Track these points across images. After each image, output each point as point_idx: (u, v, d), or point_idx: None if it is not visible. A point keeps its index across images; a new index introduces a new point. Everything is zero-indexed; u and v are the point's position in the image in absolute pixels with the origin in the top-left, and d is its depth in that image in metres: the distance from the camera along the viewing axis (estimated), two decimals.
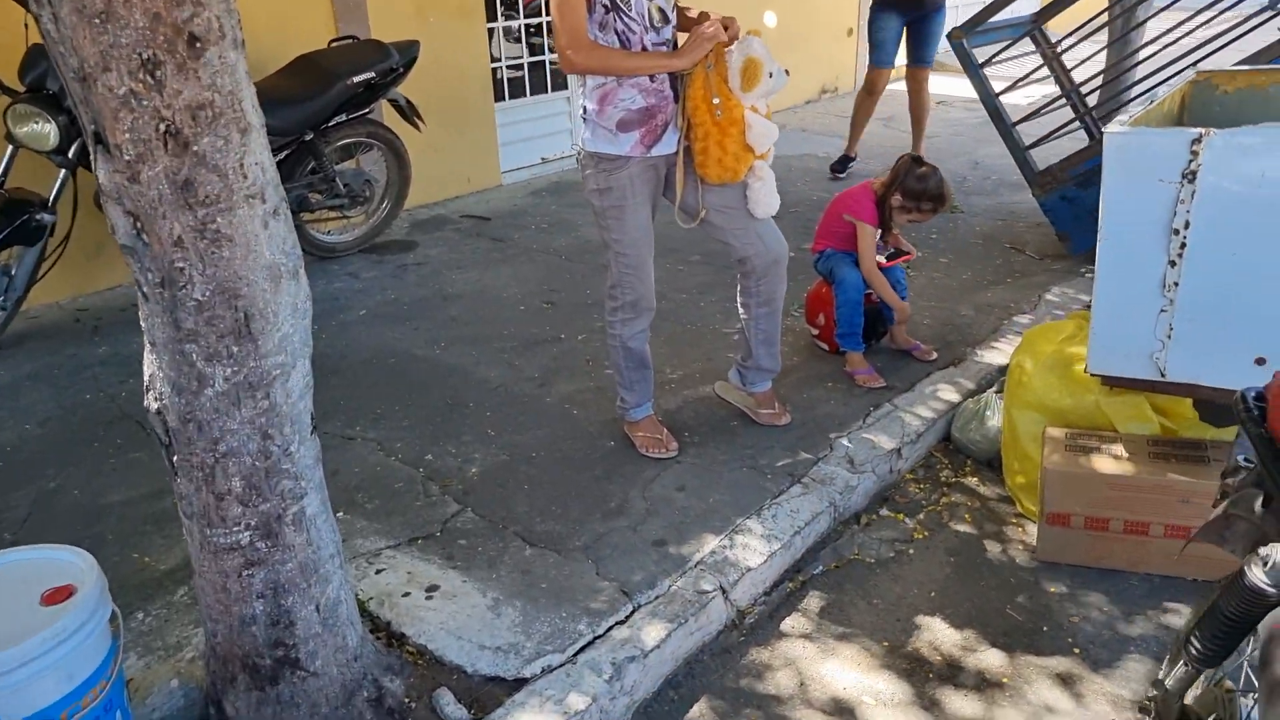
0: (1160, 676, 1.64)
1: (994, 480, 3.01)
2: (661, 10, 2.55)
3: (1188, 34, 4.35)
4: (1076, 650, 2.30)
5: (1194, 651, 1.47)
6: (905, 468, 3.05)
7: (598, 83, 2.54)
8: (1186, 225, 2.21)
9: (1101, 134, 5.11)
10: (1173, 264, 2.25)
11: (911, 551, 2.70)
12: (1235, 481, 1.80)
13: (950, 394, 3.29)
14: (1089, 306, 3.27)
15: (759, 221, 2.74)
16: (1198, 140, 2.13)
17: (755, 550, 2.51)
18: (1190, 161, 2.16)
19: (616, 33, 2.47)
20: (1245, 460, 1.87)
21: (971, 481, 3.03)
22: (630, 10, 2.47)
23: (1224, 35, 4.02)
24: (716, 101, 2.48)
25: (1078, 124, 4.98)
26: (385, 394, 3.41)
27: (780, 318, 2.98)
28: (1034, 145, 4.64)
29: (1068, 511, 2.51)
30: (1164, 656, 2.23)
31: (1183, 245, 2.22)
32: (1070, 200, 4.40)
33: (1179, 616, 2.38)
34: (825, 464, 2.90)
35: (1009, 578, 2.57)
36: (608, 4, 2.44)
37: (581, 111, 2.64)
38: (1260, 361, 2.22)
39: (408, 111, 4.70)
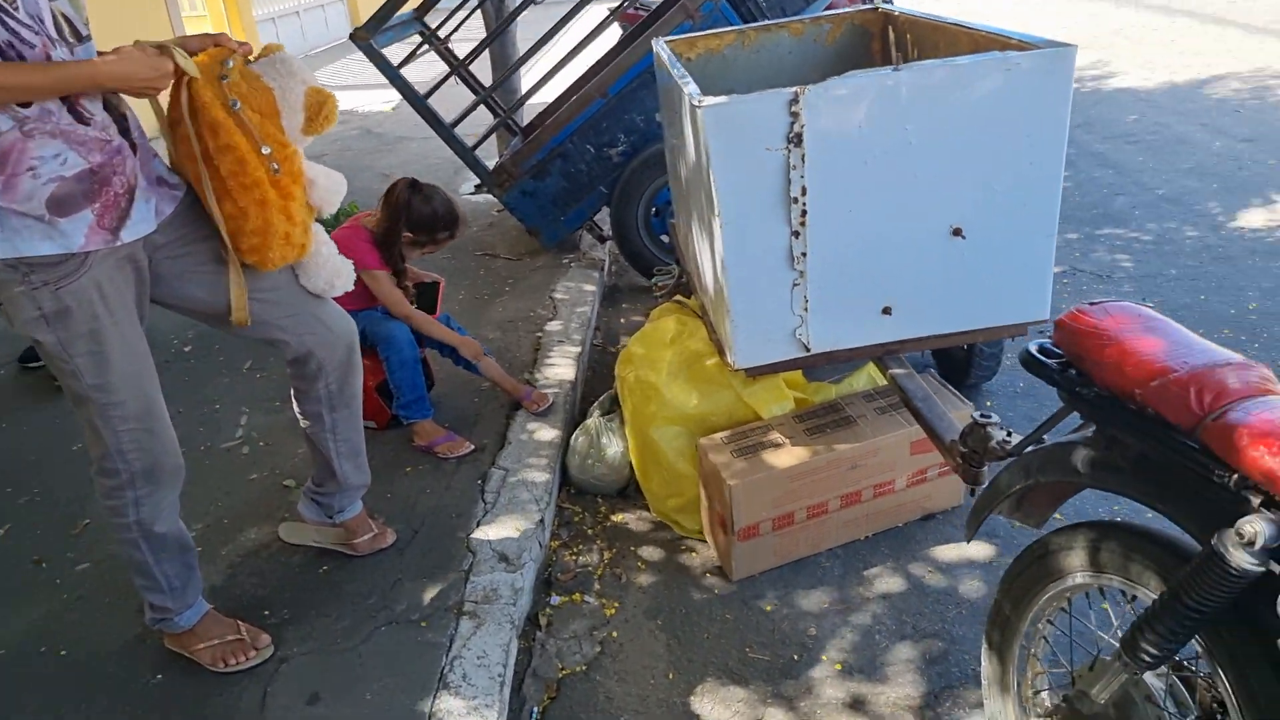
0: (1079, 689, 1.46)
1: (635, 510, 2.69)
2: (70, 22, 1.59)
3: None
4: (838, 666, 2.10)
5: (1147, 657, 1.29)
6: (548, 537, 2.56)
7: None
8: (804, 191, 2.06)
9: (523, 128, 5.23)
10: (796, 234, 2.11)
11: (615, 635, 2.25)
12: (1011, 445, 1.70)
13: (548, 432, 2.87)
14: (660, 296, 3.11)
15: (318, 301, 1.95)
16: (795, 100, 1.98)
17: None
18: (792, 124, 2.00)
19: None
20: (983, 415, 1.78)
21: (619, 522, 2.66)
22: (18, 11, 1.47)
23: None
24: (268, 151, 1.62)
25: (505, 123, 4.86)
26: None
27: (362, 416, 2.22)
28: (478, 145, 4.37)
29: (757, 521, 2.29)
30: (897, 627, 2.15)
31: (804, 213, 2.08)
32: (531, 194, 4.23)
33: (884, 579, 2.34)
34: (478, 575, 2.27)
35: (723, 615, 2.28)
36: None
37: None
38: (887, 311, 2.21)
39: None
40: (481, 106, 4.83)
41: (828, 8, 3.97)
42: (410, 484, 2.65)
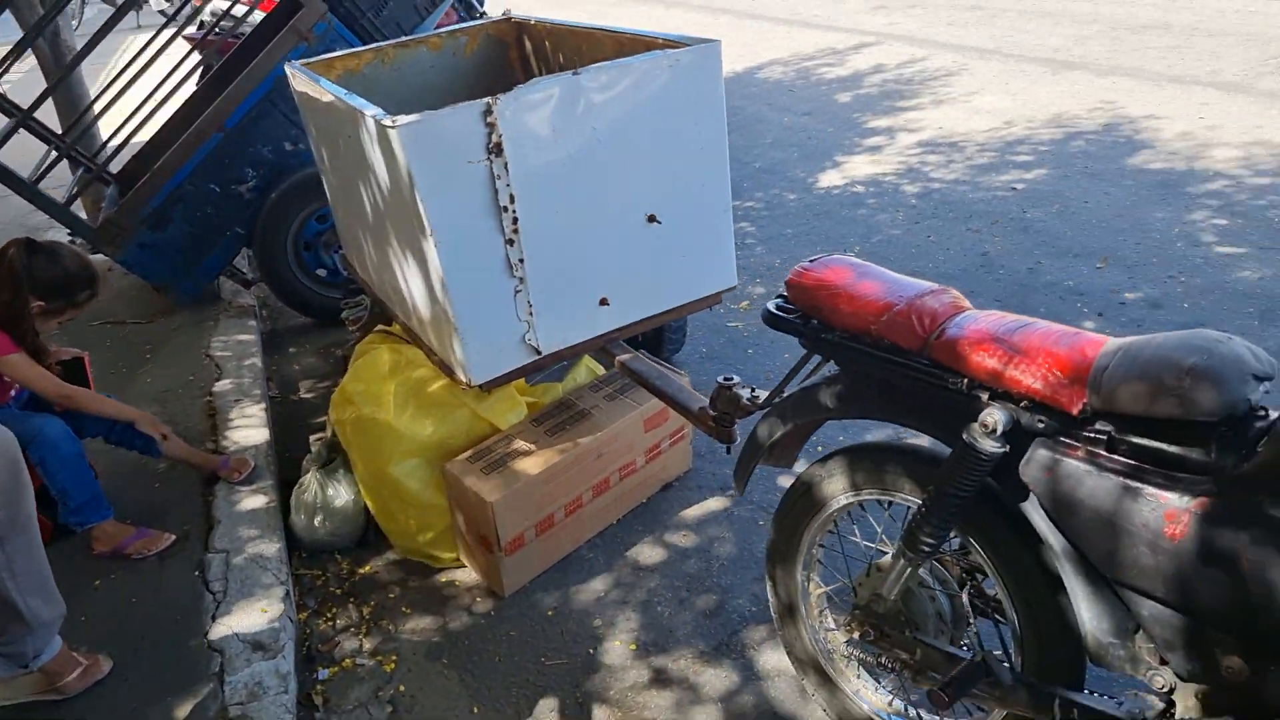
0: (865, 594, 1.66)
1: (381, 556, 2.54)
2: None
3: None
4: (633, 646, 2.17)
5: (925, 546, 1.51)
6: (295, 611, 2.33)
7: None
8: (512, 199, 2.07)
9: (116, 175, 4.54)
10: (511, 242, 2.11)
11: (403, 688, 2.12)
12: (761, 400, 1.87)
13: (258, 499, 2.59)
14: (356, 330, 2.93)
15: None
16: (488, 111, 1.98)
17: None
18: (490, 134, 2.00)
19: None
20: (726, 379, 1.95)
21: (368, 573, 2.49)
22: None
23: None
24: None
25: (83, 169, 4.24)
26: None
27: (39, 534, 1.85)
28: (71, 200, 3.78)
29: (522, 530, 2.29)
30: (672, 594, 2.28)
31: (515, 220, 2.09)
32: (151, 247, 3.75)
33: (646, 553, 2.45)
34: (234, 674, 2.00)
35: (507, 634, 2.25)
36: None
37: None
38: (604, 302, 2.30)
39: None
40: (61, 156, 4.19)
41: (440, 25, 3.99)
42: (107, 599, 2.26)
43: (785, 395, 1.78)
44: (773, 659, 2.08)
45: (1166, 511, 1.23)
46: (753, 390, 1.93)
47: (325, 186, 2.95)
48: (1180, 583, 1.23)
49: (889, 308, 1.52)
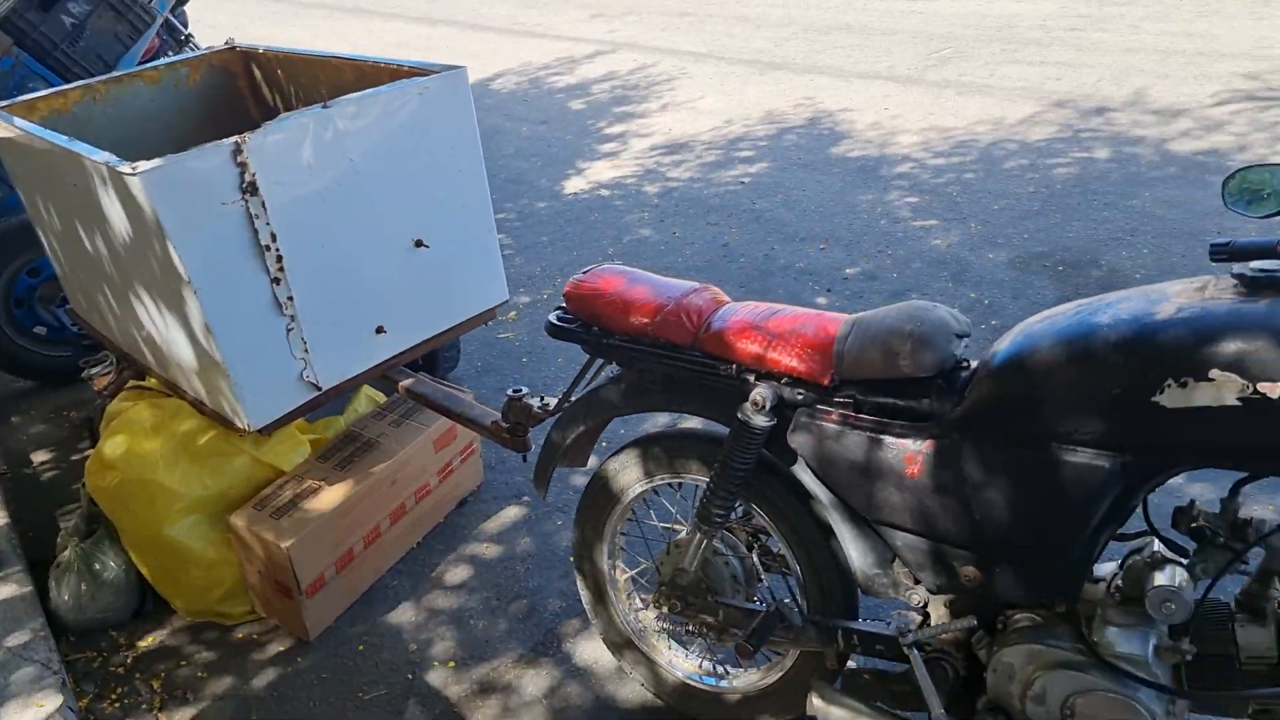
0: (668, 570, 1.80)
1: (164, 625, 2.39)
2: None
3: None
4: (451, 664, 2.21)
5: (717, 517, 1.68)
6: (75, 701, 2.15)
7: None
8: (274, 237, 2.02)
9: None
10: (278, 281, 2.06)
11: None
12: (551, 407, 1.98)
13: (7, 588, 2.35)
14: (105, 390, 2.70)
15: None
16: (238, 150, 1.93)
17: None
18: (243, 174, 1.95)
19: None
20: (515, 391, 2.05)
21: (150, 645, 2.34)
22: None
23: None
24: None
25: None
26: None
27: None
28: None
29: (321, 570, 2.25)
30: (483, 606, 2.35)
31: (279, 258, 2.05)
32: None
33: (452, 571, 2.48)
34: None
35: (319, 677, 2.21)
36: None
37: None
38: (380, 330, 2.30)
39: None
40: None
41: (146, 54, 3.74)
42: None
43: (574, 399, 1.89)
44: (589, 649, 2.19)
45: (905, 455, 1.47)
46: (542, 399, 2.03)
47: (42, 237, 2.71)
48: (922, 512, 1.48)
49: (660, 309, 1.68)
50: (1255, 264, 1.25)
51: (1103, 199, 4.08)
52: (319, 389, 2.22)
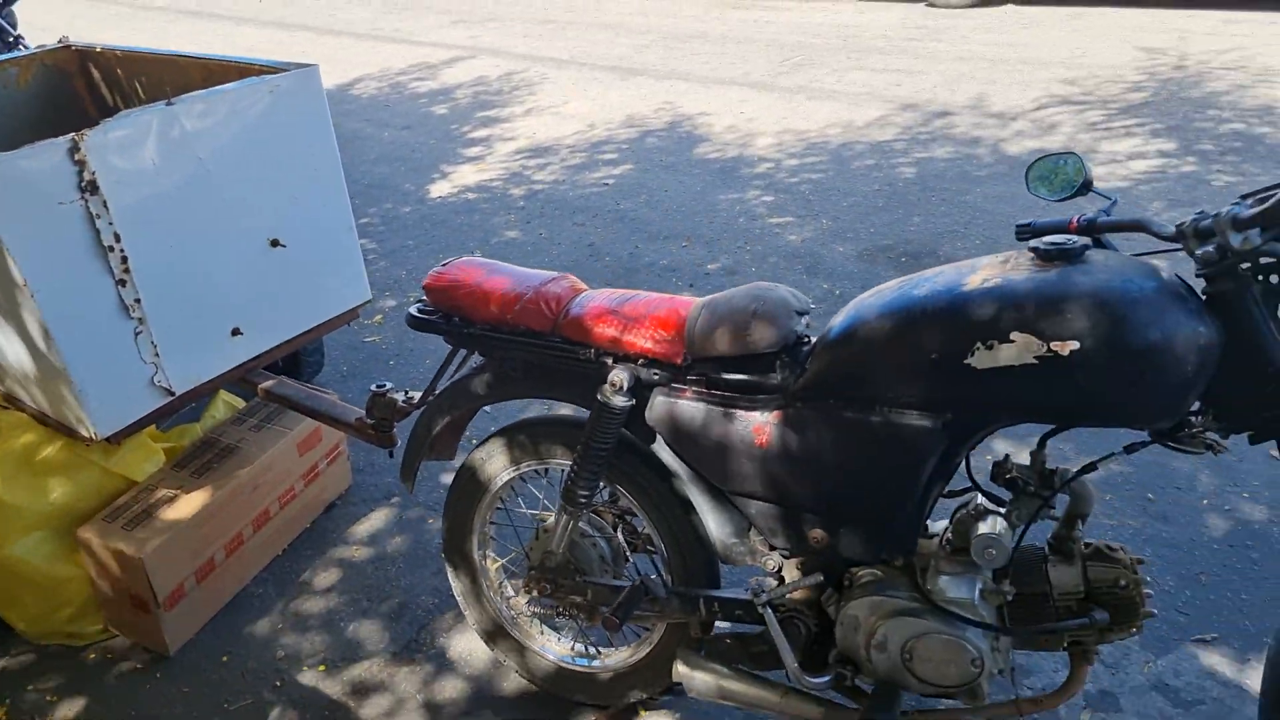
0: (537, 554, 1.84)
1: (8, 654, 2.26)
2: None
3: None
4: (322, 668, 2.18)
5: (582, 498, 1.74)
6: None
7: None
8: (118, 238, 1.96)
9: None
10: (123, 283, 1.99)
11: None
12: (416, 400, 1.99)
13: None
14: None
15: None
16: (75, 148, 1.86)
17: None
18: (81, 172, 1.88)
19: None
20: (379, 387, 2.06)
21: None
22: None
23: None
24: None
25: None
26: None
27: None
28: None
29: (180, 581, 2.18)
30: (353, 608, 2.34)
31: (124, 259, 1.98)
32: None
33: (321, 575, 2.44)
34: None
35: (179, 692, 2.14)
36: None
37: None
38: (237, 332, 2.25)
39: None
40: None
41: None
42: None
43: (439, 392, 1.91)
44: (464, 643, 2.21)
45: (754, 426, 1.56)
46: (406, 393, 2.04)
47: None
48: (771, 480, 1.58)
49: (520, 298, 1.73)
50: (1048, 238, 1.40)
51: (940, 195, 4.37)
52: (172, 394, 2.16)
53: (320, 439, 2.55)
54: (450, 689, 2.10)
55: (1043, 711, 1.65)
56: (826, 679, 1.63)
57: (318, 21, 10.14)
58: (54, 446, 2.18)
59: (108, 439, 2.06)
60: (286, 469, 2.45)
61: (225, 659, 2.21)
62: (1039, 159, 1.59)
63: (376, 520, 2.63)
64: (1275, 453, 1.37)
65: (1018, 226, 1.52)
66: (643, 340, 1.63)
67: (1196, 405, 1.39)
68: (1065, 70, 5.96)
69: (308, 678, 2.15)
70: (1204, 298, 1.33)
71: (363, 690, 2.12)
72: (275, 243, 2.27)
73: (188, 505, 2.21)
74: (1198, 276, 1.34)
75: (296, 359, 3.10)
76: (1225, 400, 1.36)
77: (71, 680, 2.18)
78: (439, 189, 5.07)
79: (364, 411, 2.13)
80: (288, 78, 2.20)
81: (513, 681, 2.11)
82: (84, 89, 2.92)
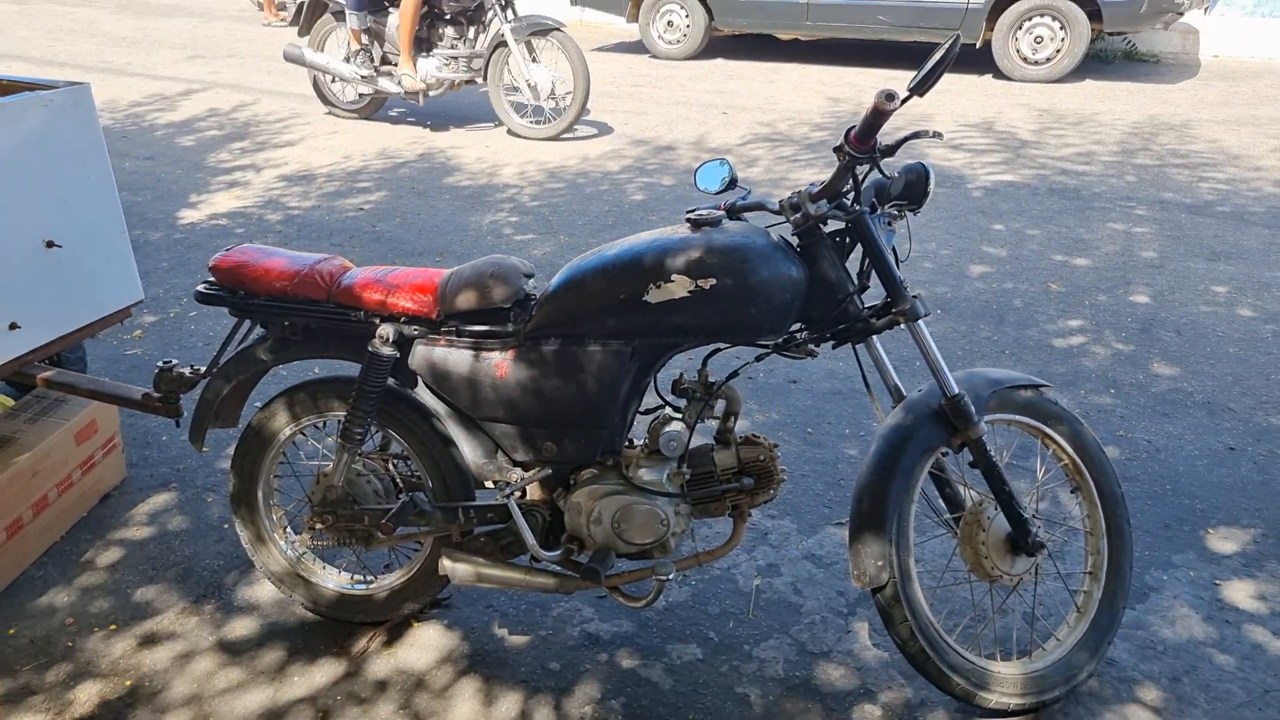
0: (319, 494, 2.18)
1: None
2: None
3: None
4: (113, 626, 2.37)
5: (357, 434, 2.11)
6: None
7: None
8: None
9: None
10: None
11: None
12: (202, 371, 2.28)
13: None
14: None
15: None
16: None
17: None
18: None
19: None
20: (166, 362, 2.33)
21: None
22: None
23: None
24: None
25: None
26: None
27: None
28: None
29: None
30: (140, 577, 2.55)
31: None
32: None
33: (102, 555, 2.61)
34: None
35: None
36: None
37: None
38: (14, 326, 2.41)
39: None
40: None
41: None
42: None
43: (224, 361, 2.23)
44: (251, 591, 2.48)
45: (495, 363, 2.03)
46: (192, 366, 2.33)
47: None
48: (510, 404, 2.05)
49: (298, 273, 2.10)
50: (697, 211, 1.99)
51: (661, 214, 5.09)
52: None
53: (96, 430, 2.72)
54: (241, 629, 2.38)
55: (716, 560, 2.22)
56: (557, 553, 2.12)
57: (35, 52, 9.58)
58: None
59: None
60: (64, 457, 2.61)
61: (12, 631, 2.35)
62: (702, 164, 2.17)
63: (154, 504, 2.82)
64: (853, 352, 2.01)
65: (686, 213, 2.11)
66: (404, 302, 2.06)
67: (797, 325, 2.02)
68: (762, 114, 7.00)
69: (98, 637, 2.34)
70: (798, 250, 1.97)
71: (155, 640, 2.34)
72: (51, 244, 2.47)
73: None
74: (793, 235, 1.98)
75: (57, 362, 3.20)
76: (813, 319, 2.01)
77: None
78: (191, 215, 5.16)
79: (151, 388, 2.38)
80: (61, 93, 2.43)
81: (299, 614, 2.42)
82: None
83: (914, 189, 2.04)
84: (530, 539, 2.09)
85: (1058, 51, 7.86)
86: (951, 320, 3.92)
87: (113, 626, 2.38)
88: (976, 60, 8.59)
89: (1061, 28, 7.77)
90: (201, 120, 7.04)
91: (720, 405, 2.12)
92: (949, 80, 8.09)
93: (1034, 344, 3.73)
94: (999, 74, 8.15)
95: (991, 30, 7.98)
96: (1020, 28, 7.89)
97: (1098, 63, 8.91)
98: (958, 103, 7.36)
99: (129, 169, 5.94)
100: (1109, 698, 2.15)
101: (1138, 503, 2.78)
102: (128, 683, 2.21)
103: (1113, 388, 3.41)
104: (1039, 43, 7.91)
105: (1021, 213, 5.09)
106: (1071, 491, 2.23)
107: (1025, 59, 8.00)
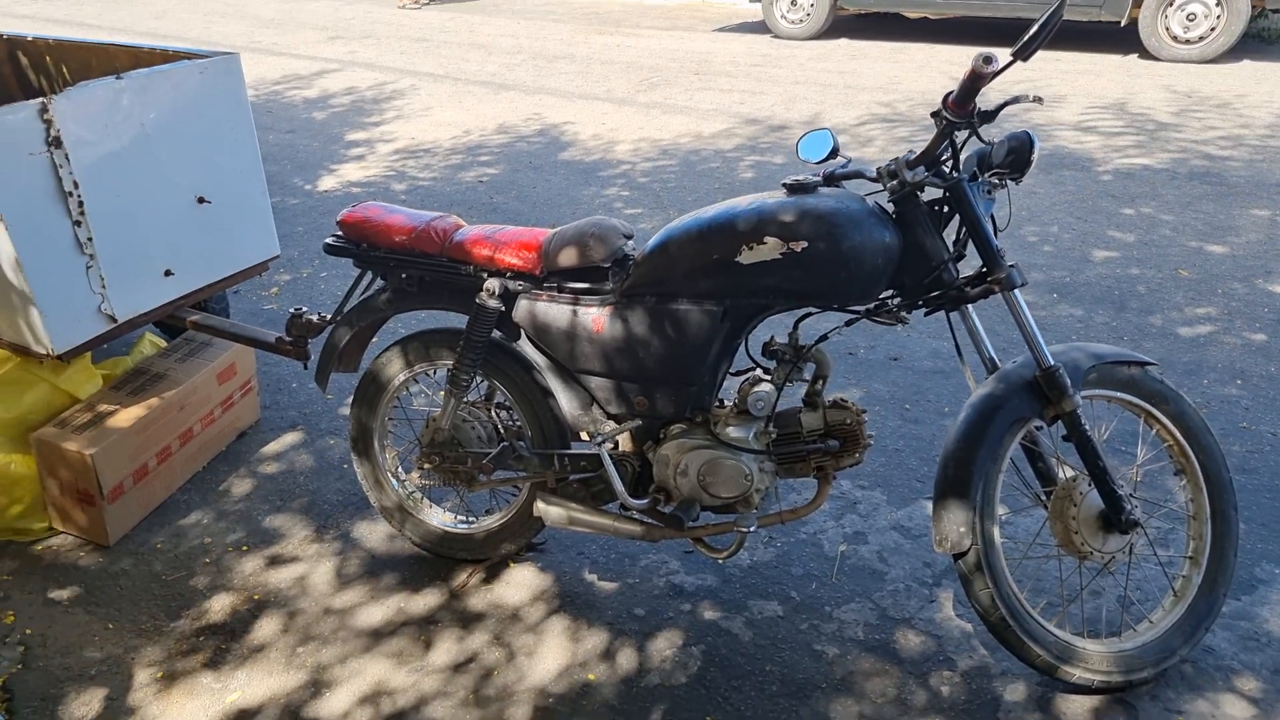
0: (432, 431, 2.35)
1: None
2: None
3: None
4: (245, 548, 2.62)
5: (463, 381, 2.27)
6: None
7: None
8: (76, 185, 2.37)
9: None
10: (79, 224, 2.40)
11: (30, 631, 2.32)
12: (329, 317, 2.48)
13: None
14: None
15: None
16: (44, 109, 2.27)
17: None
18: (48, 129, 2.29)
19: None
20: (297, 309, 2.53)
21: None
22: None
23: None
24: None
25: None
26: None
27: None
28: None
29: (121, 479, 2.58)
30: (268, 504, 2.79)
31: (81, 204, 2.39)
32: None
33: (236, 485, 2.87)
34: None
35: (122, 569, 2.54)
36: None
37: None
38: (169, 273, 2.67)
39: None
40: None
41: None
42: None
43: (347, 309, 2.41)
44: (364, 527, 2.69)
45: (593, 319, 2.14)
46: (320, 314, 2.53)
47: None
48: (605, 358, 2.16)
49: (415, 229, 2.26)
50: (792, 178, 2.04)
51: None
52: (115, 321, 2.57)
53: (236, 372, 2.98)
54: (355, 558, 2.58)
55: (799, 519, 2.28)
56: (645, 501, 2.22)
57: (192, 34, 10.29)
58: (8, 366, 2.55)
59: (60, 356, 2.46)
60: (207, 394, 2.87)
61: (160, 545, 2.62)
62: (806, 133, 2.21)
63: (285, 444, 3.07)
64: (946, 321, 2.00)
65: (784, 182, 2.15)
66: (510, 258, 2.19)
67: (889, 292, 2.05)
68: (883, 94, 6.89)
69: (230, 556, 2.59)
70: (893, 216, 2.00)
71: (281, 562, 2.57)
72: (202, 199, 2.71)
73: (126, 417, 2.61)
74: (889, 203, 2.01)
75: (204, 309, 3.51)
76: (906, 286, 2.03)
77: (23, 566, 2.54)
78: (325, 183, 5.49)
79: (283, 333, 2.60)
80: (214, 62, 2.66)
81: (406, 550, 2.60)
82: (12, 75, 3.27)
83: (1017, 157, 2.03)
84: (619, 486, 2.20)
85: (1212, 30, 7.41)
86: (1068, 304, 3.82)
87: (245, 548, 2.62)
88: (1121, 39, 8.20)
89: (1218, 3, 7.32)
90: (338, 97, 7.44)
91: (810, 368, 2.16)
92: (1088, 60, 7.76)
93: (1156, 331, 3.60)
94: (1145, 53, 7.76)
95: (1139, 7, 7.59)
96: (1171, 4, 7.47)
97: (1260, 42, 8.36)
98: (1096, 83, 7.06)
99: (272, 141, 6.35)
100: (1202, 684, 2.10)
101: (1256, 495, 2.68)
102: (255, 596, 2.44)
103: (1239, 378, 3.27)
104: (1191, 20, 7.48)
105: (1155, 197, 4.87)
106: (1175, 474, 2.17)
107: (1175, 38, 7.57)
